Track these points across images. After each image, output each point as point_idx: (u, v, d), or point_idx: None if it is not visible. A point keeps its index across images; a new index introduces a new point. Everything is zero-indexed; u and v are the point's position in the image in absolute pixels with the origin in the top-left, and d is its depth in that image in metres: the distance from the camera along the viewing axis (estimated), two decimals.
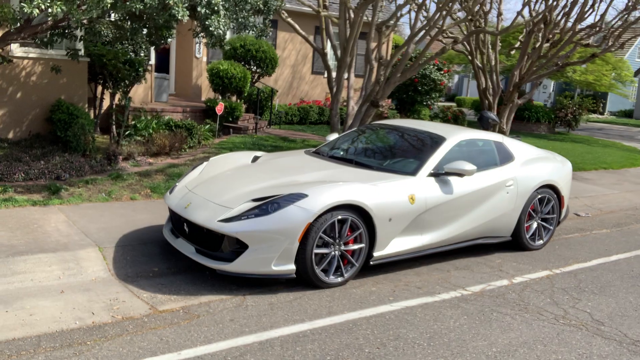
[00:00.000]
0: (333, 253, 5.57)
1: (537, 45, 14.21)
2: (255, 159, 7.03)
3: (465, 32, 13.93)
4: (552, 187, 7.39)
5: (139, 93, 13.40)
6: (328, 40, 11.94)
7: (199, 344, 4.24)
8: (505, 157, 7.17)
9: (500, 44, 17.73)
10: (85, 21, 8.28)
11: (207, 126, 12.13)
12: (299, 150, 7.79)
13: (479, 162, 6.85)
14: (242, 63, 14.69)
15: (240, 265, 5.27)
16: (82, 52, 10.46)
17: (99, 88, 11.74)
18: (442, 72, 19.40)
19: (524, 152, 7.45)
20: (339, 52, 11.53)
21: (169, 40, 11.07)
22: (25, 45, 9.93)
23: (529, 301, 5.47)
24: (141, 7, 6.84)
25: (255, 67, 14.80)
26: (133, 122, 11.50)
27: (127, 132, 10.97)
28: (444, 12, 10.70)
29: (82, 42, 9.79)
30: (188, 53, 15.57)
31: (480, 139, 7.25)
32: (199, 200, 5.79)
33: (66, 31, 8.20)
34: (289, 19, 11.22)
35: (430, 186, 6.22)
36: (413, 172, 6.29)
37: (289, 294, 5.33)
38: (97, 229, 6.69)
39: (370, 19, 11.32)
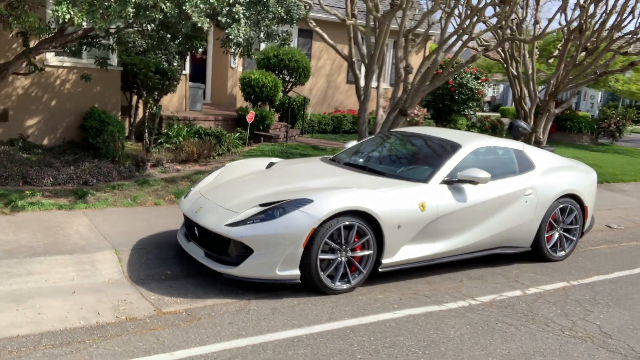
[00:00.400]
0: (339, 259, 5.55)
1: (574, 53, 13.90)
2: (271, 165, 7.08)
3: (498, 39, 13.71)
4: (575, 197, 7.19)
5: (174, 102, 13.70)
6: (357, 49, 11.95)
7: (194, 345, 4.29)
8: (525, 165, 7.02)
9: (538, 53, 17.45)
10: (113, 30, 8.55)
11: (237, 134, 12.28)
12: (315, 157, 7.81)
13: (497, 170, 6.74)
14: (276, 72, 14.84)
15: (245, 269, 5.31)
16: (115, 62, 10.79)
17: (135, 97, 12.07)
18: (479, 81, 19.16)
19: (546, 160, 7.28)
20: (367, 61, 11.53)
21: (200, 50, 11.29)
22: (60, 55, 10.29)
23: (538, 312, 5.33)
24: (161, 16, 7.01)
25: (288, 77, 14.93)
26: (166, 130, 11.77)
27: (159, 140, 11.23)
28: (474, 19, 10.58)
29: (115, 51, 10.08)
30: (224, 63, 15.82)
31: (500, 147, 7.13)
32: (209, 204, 5.87)
33: (94, 40, 8.46)
34: (317, 28, 11.29)
35: (442, 194, 6.14)
36: (425, 180, 6.23)
37: (294, 299, 5.34)
38: (117, 233, 6.85)
39: (399, 27, 11.29)
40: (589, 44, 13.59)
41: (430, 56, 11.06)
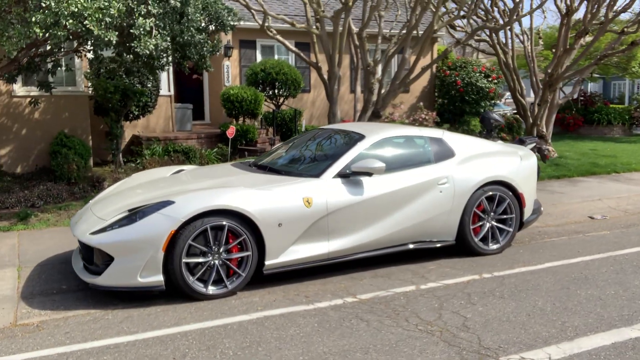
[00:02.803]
0: (212, 262, 5.29)
1: (566, 39, 13.12)
2: (179, 172, 6.92)
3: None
4: (505, 184, 6.64)
5: (160, 124, 13.84)
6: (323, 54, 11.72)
7: (4, 355, 4.14)
8: (442, 154, 6.56)
9: (542, 43, 16.66)
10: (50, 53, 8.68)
11: (215, 150, 12.24)
12: (229, 162, 7.61)
13: (407, 160, 6.36)
14: (267, 87, 14.75)
15: (108, 278, 5.14)
16: (82, 87, 11.01)
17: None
18: (490, 79, 18.43)
19: (469, 147, 6.78)
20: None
21: (167, 68, 11.31)
22: (27, 85, 10.57)
23: (411, 307, 4.87)
24: (64, 33, 7.04)
25: (278, 90, 14.81)
26: (144, 152, 11.88)
27: (137, 161, 11.34)
28: (418, 11, 10.14)
29: (75, 75, 10.25)
30: (218, 82, 15.92)
31: (414, 136, 6.71)
32: (88, 214, 5.77)
33: (32, 66, 8.62)
34: (278, 36, 11.13)
35: (335, 188, 5.80)
36: (317, 175, 5.91)
37: (159, 307, 5.10)
38: (35, 251, 6.87)
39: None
40: (582, 27, 12.78)
41: (392, 55, 10.68)
